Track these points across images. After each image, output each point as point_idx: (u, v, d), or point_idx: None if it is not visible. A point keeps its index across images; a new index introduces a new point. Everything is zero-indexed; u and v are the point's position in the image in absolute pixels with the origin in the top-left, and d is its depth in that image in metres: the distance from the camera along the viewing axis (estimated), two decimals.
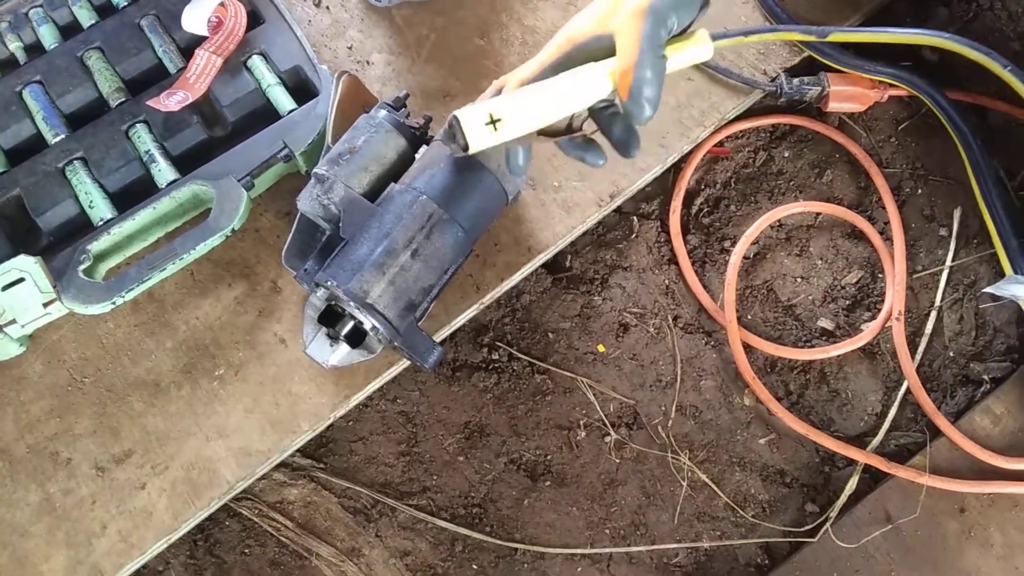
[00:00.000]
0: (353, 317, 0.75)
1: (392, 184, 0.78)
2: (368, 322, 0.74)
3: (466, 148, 0.62)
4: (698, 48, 0.63)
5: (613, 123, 0.65)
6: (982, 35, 0.95)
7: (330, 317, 0.76)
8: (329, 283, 0.73)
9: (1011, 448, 0.80)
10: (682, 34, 0.63)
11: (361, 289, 0.72)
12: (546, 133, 0.66)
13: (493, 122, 0.62)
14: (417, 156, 0.80)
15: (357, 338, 0.76)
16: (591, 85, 0.63)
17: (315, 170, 0.78)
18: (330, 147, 0.81)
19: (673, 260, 0.90)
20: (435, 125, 0.82)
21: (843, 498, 0.80)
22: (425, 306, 0.76)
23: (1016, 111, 0.90)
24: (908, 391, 0.83)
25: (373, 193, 0.78)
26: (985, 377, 0.84)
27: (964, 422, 0.81)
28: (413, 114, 0.83)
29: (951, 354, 0.86)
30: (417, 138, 0.82)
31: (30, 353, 0.83)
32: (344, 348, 0.76)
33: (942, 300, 0.86)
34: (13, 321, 0.78)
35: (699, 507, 0.82)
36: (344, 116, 0.83)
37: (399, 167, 0.79)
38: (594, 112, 0.66)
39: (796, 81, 0.89)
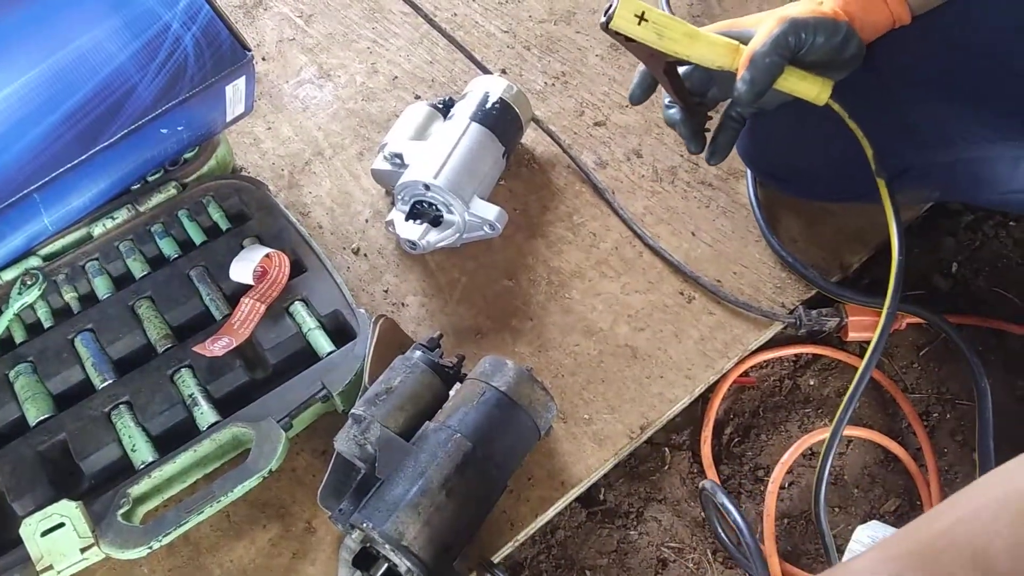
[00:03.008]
0: (387, 559, 0.74)
1: (427, 423, 0.80)
2: (403, 565, 0.73)
3: (609, 20, 0.76)
4: (815, 86, 0.79)
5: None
6: (989, 262, 1.00)
7: (365, 560, 0.76)
8: (364, 525, 0.73)
9: None
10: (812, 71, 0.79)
11: (396, 531, 0.72)
12: (678, 92, 0.86)
13: (641, 17, 0.76)
14: (451, 394, 0.83)
15: None
16: (722, 47, 0.78)
17: (352, 411, 0.80)
18: (367, 388, 0.83)
19: None
20: (468, 364, 0.85)
21: None
22: (459, 547, 0.76)
23: None
24: None
25: (408, 431, 0.79)
26: None
27: None
28: (446, 353, 0.86)
29: None
30: (450, 376, 0.84)
31: None
32: None
33: None
34: (50, 567, 0.78)
35: None
36: (380, 357, 0.86)
37: (433, 405, 0.82)
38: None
39: (814, 313, 0.93)
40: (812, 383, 0.95)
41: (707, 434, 0.92)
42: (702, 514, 0.88)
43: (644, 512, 0.89)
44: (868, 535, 0.81)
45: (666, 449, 0.92)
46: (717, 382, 0.93)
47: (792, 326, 0.93)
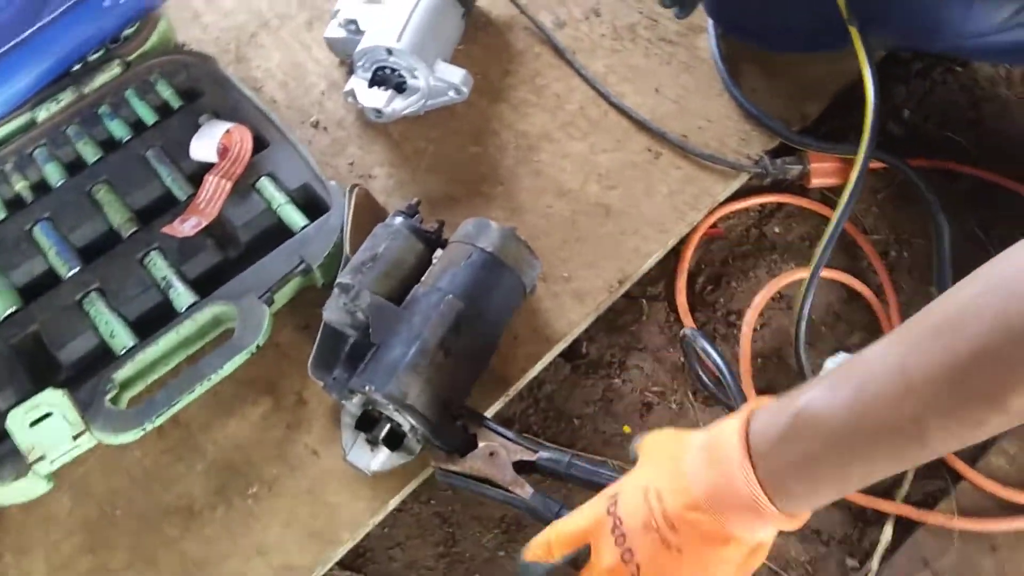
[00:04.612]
0: (390, 420, 0.76)
1: (416, 287, 0.80)
2: (406, 423, 0.75)
3: None
4: None
5: None
6: (939, 108, 1.04)
7: (367, 422, 0.77)
8: (366, 388, 0.74)
9: None
10: None
11: (399, 391, 0.73)
12: None
13: None
14: (434, 259, 0.83)
15: (396, 440, 0.77)
16: None
17: (339, 280, 0.80)
18: (349, 258, 0.83)
19: None
20: (447, 229, 0.85)
21: (880, 549, 0.82)
22: (458, 403, 0.78)
23: (983, 172, 0.98)
24: None
25: (397, 297, 0.80)
26: None
27: (982, 465, 0.85)
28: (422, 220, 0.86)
29: None
30: (433, 241, 0.85)
31: (56, 490, 0.81)
32: (384, 452, 0.76)
33: None
34: (42, 457, 0.77)
35: None
36: (359, 227, 0.86)
37: (419, 270, 0.82)
38: None
39: (779, 161, 0.95)
40: (777, 230, 0.99)
41: (681, 284, 0.95)
42: (681, 359, 0.92)
43: (626, 361, 0.92)
44: (835, 365, 0.86)
45: (643, 301, 0.95)
46: (688, 234, 0.95)
47: (758, 176, 0.95)
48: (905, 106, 1.03)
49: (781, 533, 0.83)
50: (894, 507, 0.83)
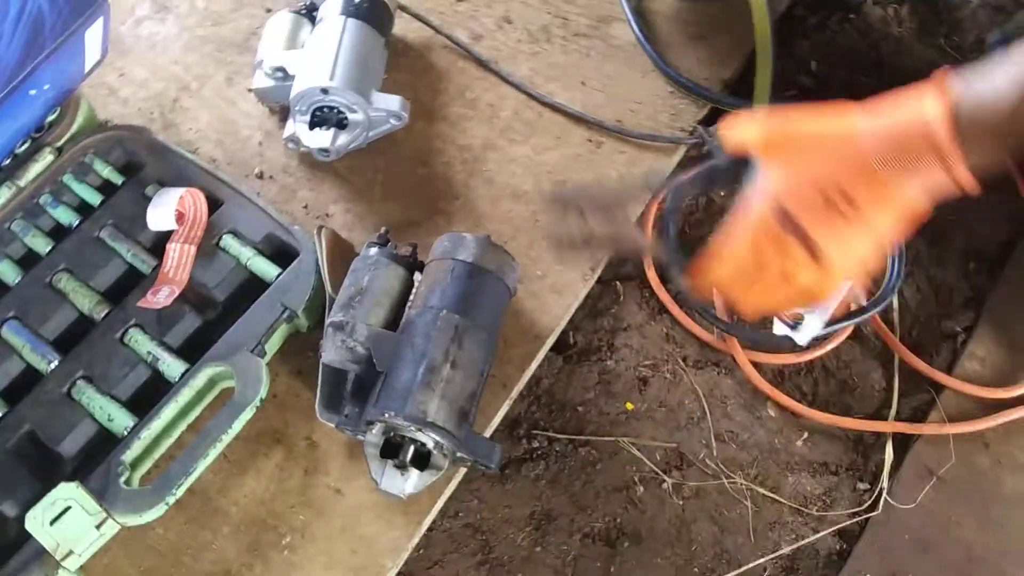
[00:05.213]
0: (413, 441, 0.77)
1: (407, 310, 0.82)
2: (430, 441, 0.76)
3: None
4: None
5: None
6: (842, 55, 1.11)
7: (391, 449, 0.78)
8: (386, 415, 0.75)
9: (1003, 379, 0.91)
10: None
11: (419, 410, 0.75)
12: None
13: None
14: (416, 281, 0.85)
15: (423, 460, 0.78)
16: None
17: (331, 319, 0.81)
18: (333, 297, 0.84)
19: (663, 309, 0.97)
20: (421, 251, 0.87)
21: (886, 468, 0.88)
22: (473, 411, 0.80)
23: None
24: (902, 361, 0.93)
25: (390, 325, 0.82)
26: (958, 328, 0.96)
27: (958, 371, 0.92)
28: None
29: (922, 319, 0.97)
30: (411, 265, 0.87)
31: None
32: (414, 473, 0.78)
33: (896, 279, 0.97)
34: (70, 552, 0.76)
35: (768, 519, 0.88)
36: (333, 267, 0.87)
37: (405, 295, 0.84)
38: None
39: (712, 129, 1.01)
40: (723, 194, 1.04)
41: (648, 260, 0.99)
42: (665, 330, 0.96)
43: (614, 342, 0.96)
44: None
45: (617, 283, 0.99)
46: (644, 213, 0.99)
47: (696, 146, 1.01)
48: (811, 58, 1.11)
49: (792, 471, 0.88)
50: (889, 426, 0.90)
